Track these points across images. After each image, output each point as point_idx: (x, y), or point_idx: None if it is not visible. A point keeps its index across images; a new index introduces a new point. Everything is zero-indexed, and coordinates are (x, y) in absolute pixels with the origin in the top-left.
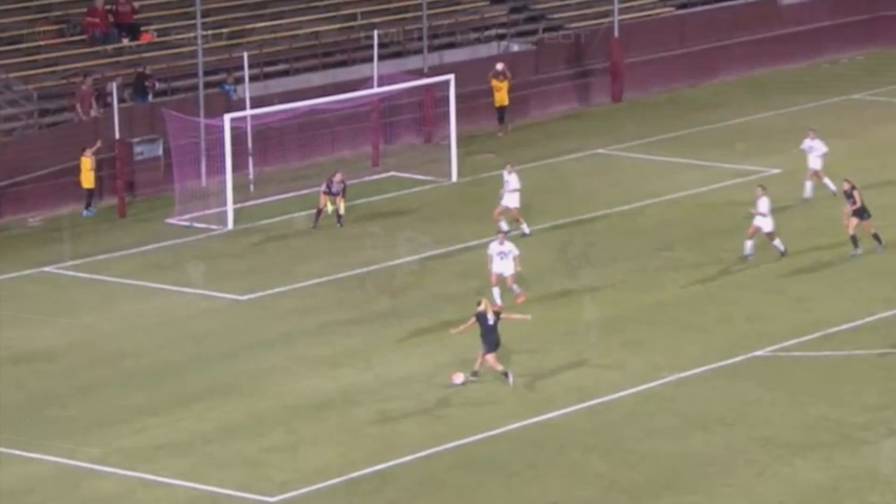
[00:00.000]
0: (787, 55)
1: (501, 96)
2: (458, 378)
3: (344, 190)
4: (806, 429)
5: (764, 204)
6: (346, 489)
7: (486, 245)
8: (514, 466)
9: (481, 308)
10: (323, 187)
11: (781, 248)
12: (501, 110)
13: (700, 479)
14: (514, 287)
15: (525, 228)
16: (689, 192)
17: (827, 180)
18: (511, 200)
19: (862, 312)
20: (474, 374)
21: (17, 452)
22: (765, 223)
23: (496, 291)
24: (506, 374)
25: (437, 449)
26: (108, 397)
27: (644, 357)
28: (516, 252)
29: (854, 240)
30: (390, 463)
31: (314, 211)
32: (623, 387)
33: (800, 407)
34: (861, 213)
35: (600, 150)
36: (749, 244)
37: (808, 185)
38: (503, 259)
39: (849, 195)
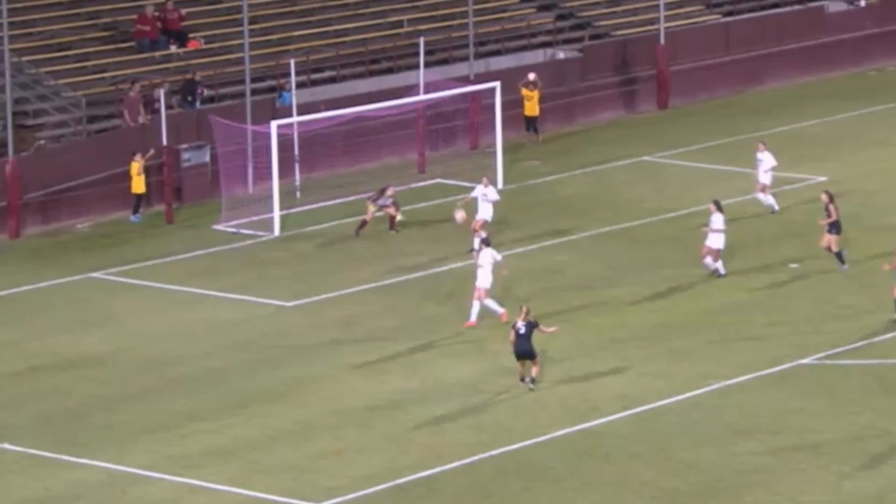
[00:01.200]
0: (833, 63)
1: (532, 106)
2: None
3: (395, 204)
4: (852, 438)
5: (718, 220)
6: (392, 496)
7: (529, 253)
8: (560, 474)
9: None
10: (371, 198)
11: (722, 271)
12: (532, 120)
13: (746, 488)
14: (490, 303)
15: (476, 244)
16: (734, 200)
17: (770, 197)
18: (486, 212)
19: None
20: (532, 381)
21: (66, 458)
22: (716, 240)
23: (475, 306)
24: (526, 380)
25: (484, 456)
26: (154, 403)
27: (690, 365)
28: (500, 258)
29: (834, 253)
30: (437, 469)
31: (360, 219)
32: (669, 395)
33: (846, 415)
34: (834, 226)
35: (646, 158)
36: (709, 261)
37: (761, 196)
38: (482, 271)
39: (825, 208)
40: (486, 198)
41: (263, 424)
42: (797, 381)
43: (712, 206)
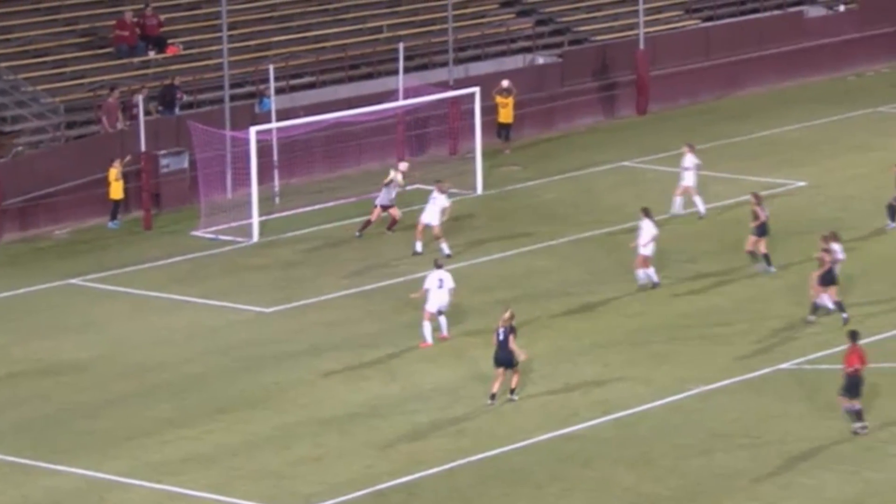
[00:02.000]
0: (812, 68)
1: (507, 113)
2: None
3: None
4: (831, 442)
5: (647, 231)
6: (372, 502)
7: (508, 258)
8: (540, 479)
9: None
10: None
11: (655, 279)
12: (506, 127)
13: (726, 493)
14: (443, 321)
15: (446, 249)
16: (714, 205)
17: (697, 199)
18: (433, 217)
19: (889, 325)
20: (511, 391)
21: (44, 465)
22: (647, 247)
23: (427, 327)
24: (492, 397)
25: (463, 461)
26: (134, 410)
27: (670, 370)
28: (452, 284)
29: (764, 256)
30: (417, 475)
31: (364, 219)
32: (649, 400)
33: (825, 420)
34: (760, 228)
35: (625, 163)
36: (641, 273)
37: (678, 200)
38: (441, 289)
39: (752, 210)
40: (434, 201)
41: (243, 431)
42: (777, 385)
43: (641, 214)
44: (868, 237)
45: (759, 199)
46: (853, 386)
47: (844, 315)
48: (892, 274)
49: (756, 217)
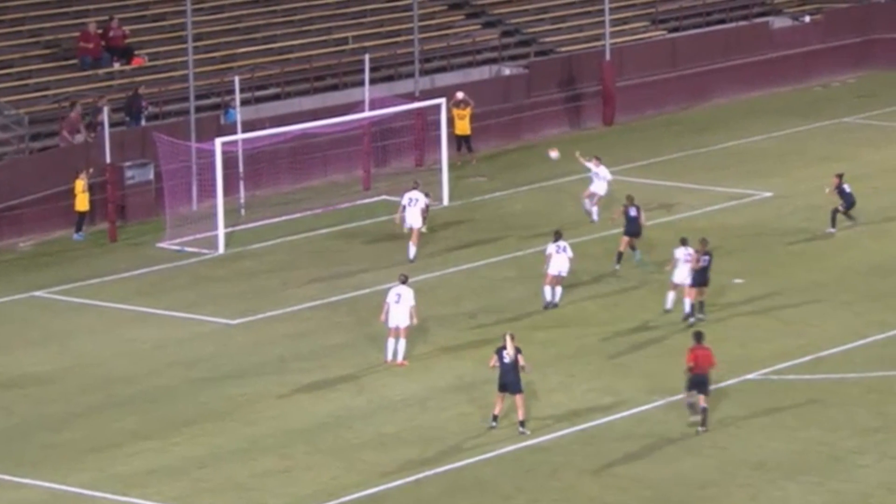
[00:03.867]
0: (778, 78)
1: (464, 125)
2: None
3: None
4: (798, 452)
5: (560, 259)
6: None
7: (475, 269)
8: (506, 490)
9: (504, 344)
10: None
11: (556, 299)
12: (465, 139)
13: (693, 503)
14: (401, 345)
15: (412, 252)
16: (681, 216)
17: (595, 209)
18: (416, 220)
19: (854, 336)
20: (521, 423)
21: (9, 478)
22: (563, 265)
23: (391, 344)
24: (494, 419)
25: (430, 473)
26: (99, 422)
27: (636, 380)
28: (412, 302)
29: (618, 254)
30: (383, 487)
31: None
32: (615, 410)
33: (792, 430)
34: (630, 228)
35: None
36: (548, 290)
37: (588, 202)
38: (398, 304)
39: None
40: (414, 203)
41: (209, 443)
42: (743, 395)
43: (554, 235)
44: (833, 247)
45: (630, 200)
46: (695, 384)
47: (701, 316)
48: (859, 283)
49: (625, 215)
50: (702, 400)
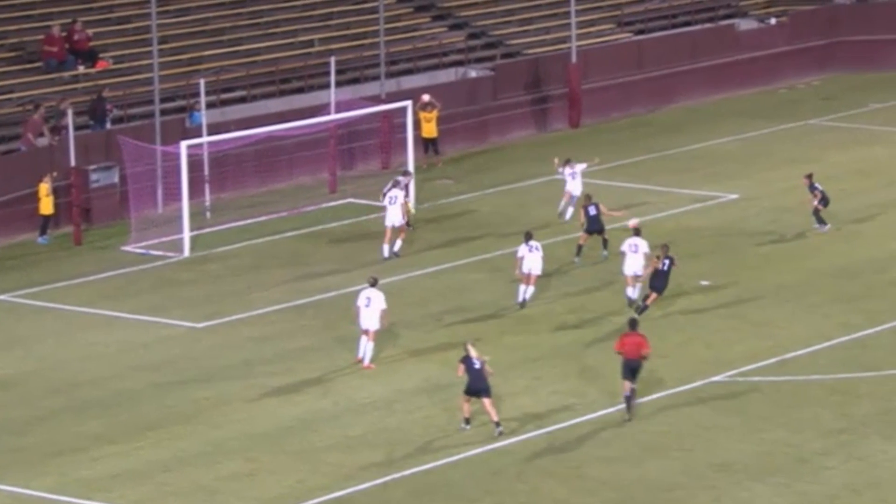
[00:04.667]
0: (744, 80)
1: (430, 128)
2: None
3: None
4: (764, 454)
5: (533, 257)
6: None
7: (442, 271)
8: (472, 493)
9: (467, 352)
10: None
11: (526, 297)
12: (432, 141)
13: None
14: (368, 348)
15: (396, 246)
16: (647, 218)
17: (570, 209)
18: (397, 218)
19: (820, 338)
20: (497, 423)
21: None
22: (532, 266)
23: (363, 342)
24: (466, 421)
25: (396, 476)
26: (63, 426)
27: (602, 383)
28: (384, 305)
29: (578, 247)
30: (349, 490)
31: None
32: (581, 413)
33: (757, 432)
34: (593, 225)
35: (558, 176)
36: (522, 288)
37: (563, 203)
38: (368, 307)
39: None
40: (395, 200)
41: (174, 446)
42: (709, 398)
43: (525, 236)
44: (800, 250)
45: (588, 199)
46: (626, 370)
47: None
48: (826, 285)
49: (585, 214)
50: (627, 387)
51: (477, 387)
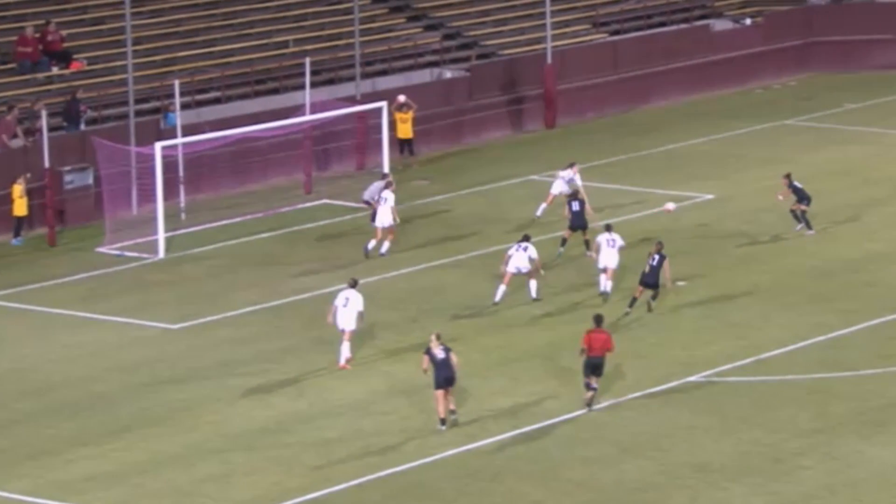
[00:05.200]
0: (719, 81)
1: (406, 128)
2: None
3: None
4: (740, 454)
5: (519, 256)
6: None
7: (417, 272)
8: (448, 494)
9: (431, 344)
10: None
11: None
12: (407, 142)
13: None
14: (346, 347)
15: (384, 248)
16: (623, 219)
17: (543, 206)
18: (386, 218)
19: (796, 338)
20: (452, 412)
21: None
22: (520, 264)
23: (345, 346)
24: (442, 422)
25: (372, 477)
26: (37, 428)
27: (578, 384)
28: (361, 307)
29: (563, 241)
30: (325, 492)
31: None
32: (558, 414)
33: (734, 432)
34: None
35: (534, 177)
36: (501, 289)
37: (543, 206)
38: (346, 307)
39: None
40: (386, 202)
41: (149, 448)
42: (685, 398)
43: (522, 238)
44: (775, 250)
45: (574, 195)
46: (589, 367)
47: (628, 310)
48: (802, 286)
49: (568, 209)
50: (592, 380)
51: (443, 376)
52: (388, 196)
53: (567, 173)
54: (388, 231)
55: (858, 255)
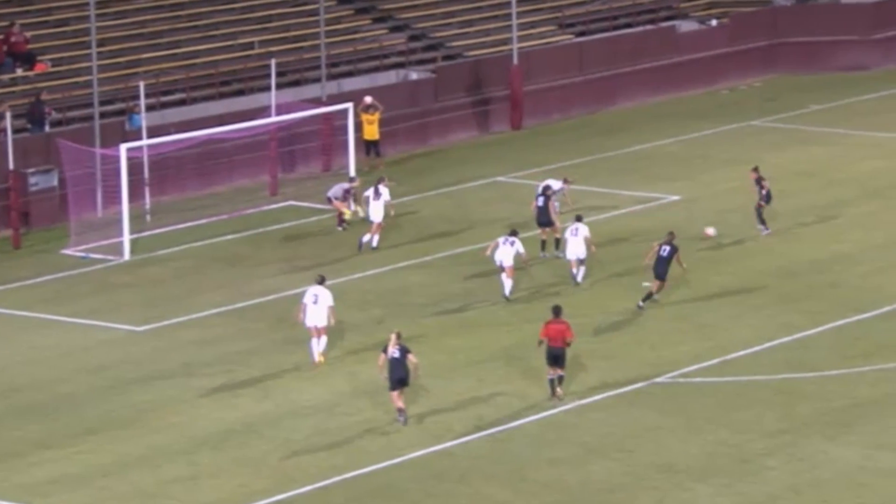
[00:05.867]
0: (685, 82)
1: (372, 130)
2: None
3: (346, 194)
4: (706, 455)
5: (505, 250)
6: None
7: (383, 274)
8: (414, 496)
9: (389, 343)
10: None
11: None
12: (374, 144)
13: None
14: (321, 343)
15: (375, 242)
16: (589, 220)
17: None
18: (379, 214)
19: (761, 338)
20: (401, 411)
21: None
22: (505, 259)
23: (314, 344)
24: (400, 412)
25: (338, 479)
26: (2, 430)
27: (544, 385)
28: (331, 302)
29: (552, 242)
30: (290, 493)
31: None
32: (524, 415)
33: (700, 433)
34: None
35: (500, 178)
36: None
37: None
38: (315, 304)
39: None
40: (379, 197)
41: (115, 451)
42: (652, 399)
43: (509, 232)
44: (742, 251)
45: (545, 191)
46: (550, 358)
47: (641, 304)
48: (768, 286)
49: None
50: (555, 371)
51: (396, 376)
52: (383, 191)
53: (557, 184)
54: (378, 226)
55: (824, 255)
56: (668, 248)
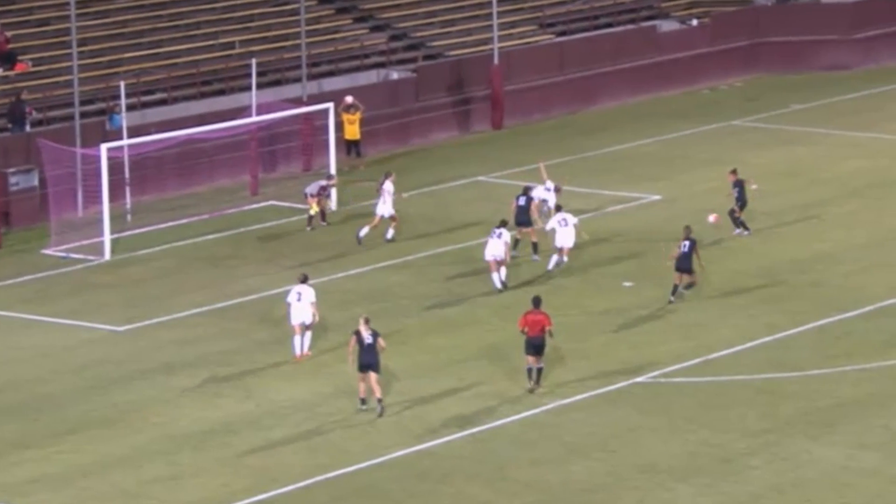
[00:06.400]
0: (666, 82)
1: (353, 130)
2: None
3: (322, 191)
4: (687, 455)
5: (494, 244)
6: None
7: (364, 273)
8: (396, 495)
9: (360, 326)
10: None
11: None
12: (354, 143)
13: None
14: (306, 338)
15: (389, 234)
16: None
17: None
18: (387, 209)
19: (743, 338)
20: (379, 400)
21: None
22: (497, 253)
23: (297, 340)
24: (365, 405)
25: (319, 478)
26: None
27: (526, 384)
28: (313, 299)
29: (535, 246)
30: (272, 493)
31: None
32: (505, 415)
33: (681, 433)
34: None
35: (481, 178)
36: (496, 277)
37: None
38: (300, 302)
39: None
40: (388, 193)
41: (96, 451)
42: (633, 399)
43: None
44: (723, 251)
45: (526, 191)
46: (529, 347)
47: (671, 299)
48: (749, 286)
49: (516, 205)
50: (535, 361)
51: (366, 361)
52: (389, 187)
53: (540, 191)
54: (390, 219)
55: (805, 255)
56: (687, 242)
